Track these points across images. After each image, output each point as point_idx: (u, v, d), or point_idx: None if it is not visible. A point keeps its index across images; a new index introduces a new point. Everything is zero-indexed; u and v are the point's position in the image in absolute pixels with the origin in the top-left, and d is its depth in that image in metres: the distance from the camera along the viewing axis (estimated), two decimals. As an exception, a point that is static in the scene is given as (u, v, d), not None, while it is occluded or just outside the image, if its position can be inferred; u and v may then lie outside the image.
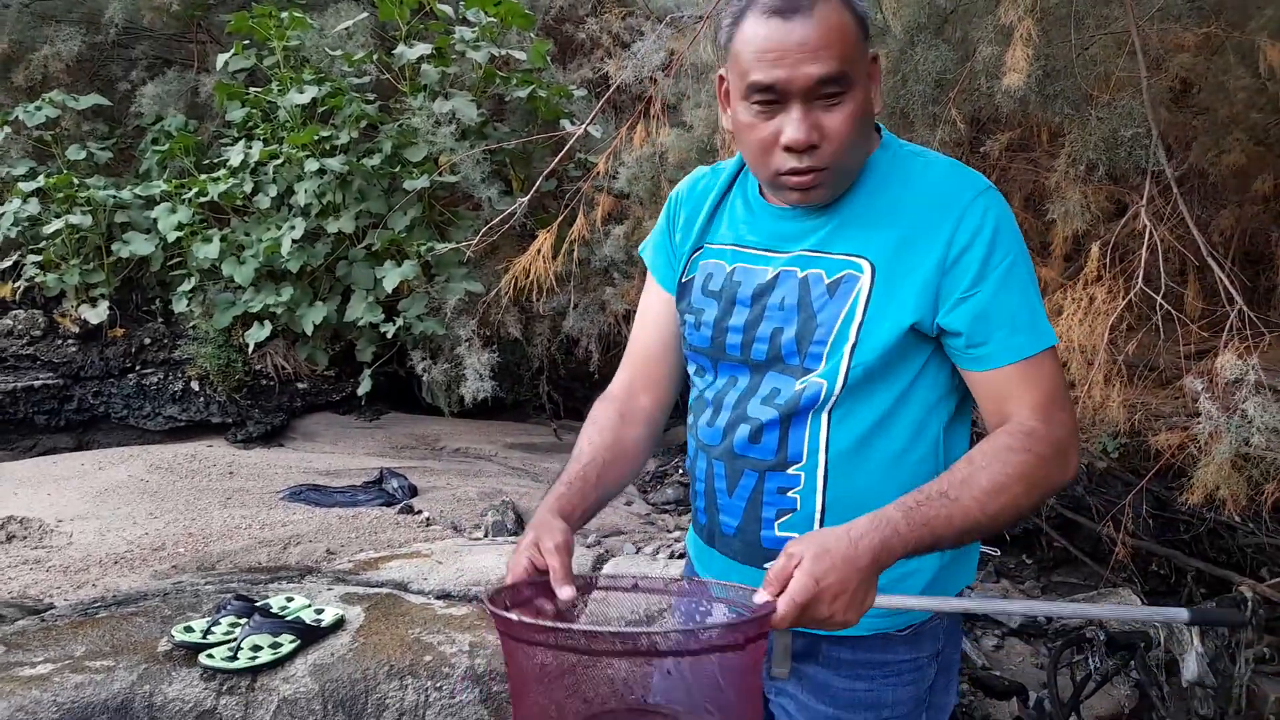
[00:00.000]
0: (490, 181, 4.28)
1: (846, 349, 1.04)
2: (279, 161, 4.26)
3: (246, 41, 4.50)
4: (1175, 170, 3.01)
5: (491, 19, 4.33)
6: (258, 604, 2.24)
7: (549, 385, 4.62)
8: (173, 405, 4.29)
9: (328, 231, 4.24)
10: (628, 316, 4.12)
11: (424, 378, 4.26)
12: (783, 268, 1.11)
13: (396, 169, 4.29)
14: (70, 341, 4.34)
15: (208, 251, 4.15)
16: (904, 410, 1.07)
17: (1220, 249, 3.28)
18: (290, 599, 2.31)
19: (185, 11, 4.96)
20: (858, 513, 1.02)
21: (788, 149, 1.02)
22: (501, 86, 4.51)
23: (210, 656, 2.02)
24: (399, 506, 3.31)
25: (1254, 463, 2.44)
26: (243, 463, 3.77)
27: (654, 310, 1.28)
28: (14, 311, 4.36)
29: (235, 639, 2.07)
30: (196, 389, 4.31)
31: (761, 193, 1.17)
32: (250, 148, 4.35)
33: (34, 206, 4.37)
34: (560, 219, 3.55)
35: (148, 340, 4.44)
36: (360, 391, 4.23)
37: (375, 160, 4.26)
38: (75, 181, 4.37)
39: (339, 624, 2.21)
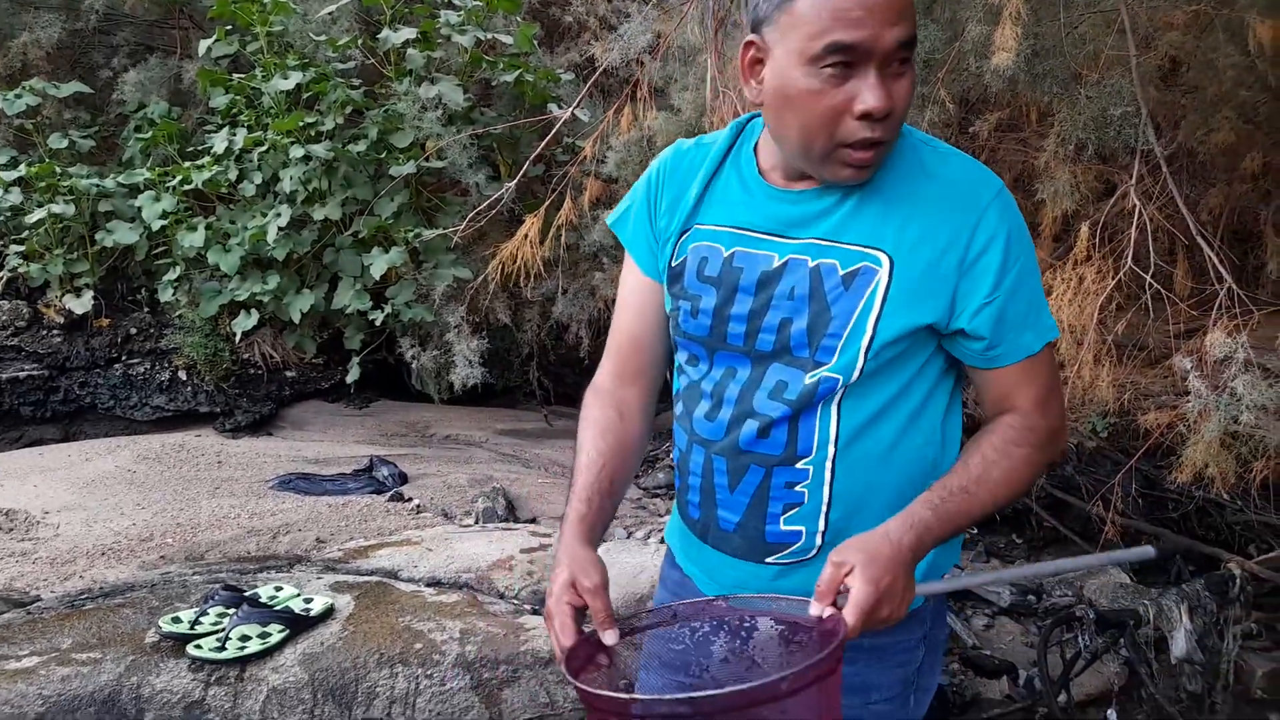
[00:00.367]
0: (477, 167, 4.25)
1: (864, 343, 1.02)
2: (264, 148, 4.22)
3: (229, 27, 4.45)
4: (1164, 149, 3.00)
5: (477, 2, 4.29)
6: (246, 594, 2.23)
7: (539, 371, 4.60)
8: (160, 395, 4.26)
9: (314, 219, 4.21)
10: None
11: (413, 365, 4.24)
12: (791, 255, 1.05)
13: (383, 155, 4.26)
14: (55, 332, 4.30)
15: (193, 240, 4.12)
16: (906, 399, 1.07)
17: (1209, 228, 3.27)
18: (279, 588, 2.30)
19: (166, -3, 4.91)
20: (863, 503, 1.06)
21: (865, 116, 0.95)
22: (488, 71, 4.47)
23: (198, 647, 2.01)
24: (389, 494, 3.30)
25: (1242, 440, 2.44)
26: (231, 452, 3.75)
27: (635, 294, 1.22)
28: (-2, 302, 4.32)
29: (223, 629, 2.06)
30: (184, 378, 4.28)
31: (761, 173, 1.10)
32: (234, 135, 4.31)
33: (16, 196, 4.32)
34: (547, 204, 3.52)
35: (133, 330, 4.40)
36: (349, 379, 4.21)
37: (361, 146, 4.23)
38: (57, 170, 4.32)
39: (328, 613, 2.20)
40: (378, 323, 4.08)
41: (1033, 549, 3.70)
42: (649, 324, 1.21)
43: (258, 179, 4.29)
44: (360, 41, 4.46)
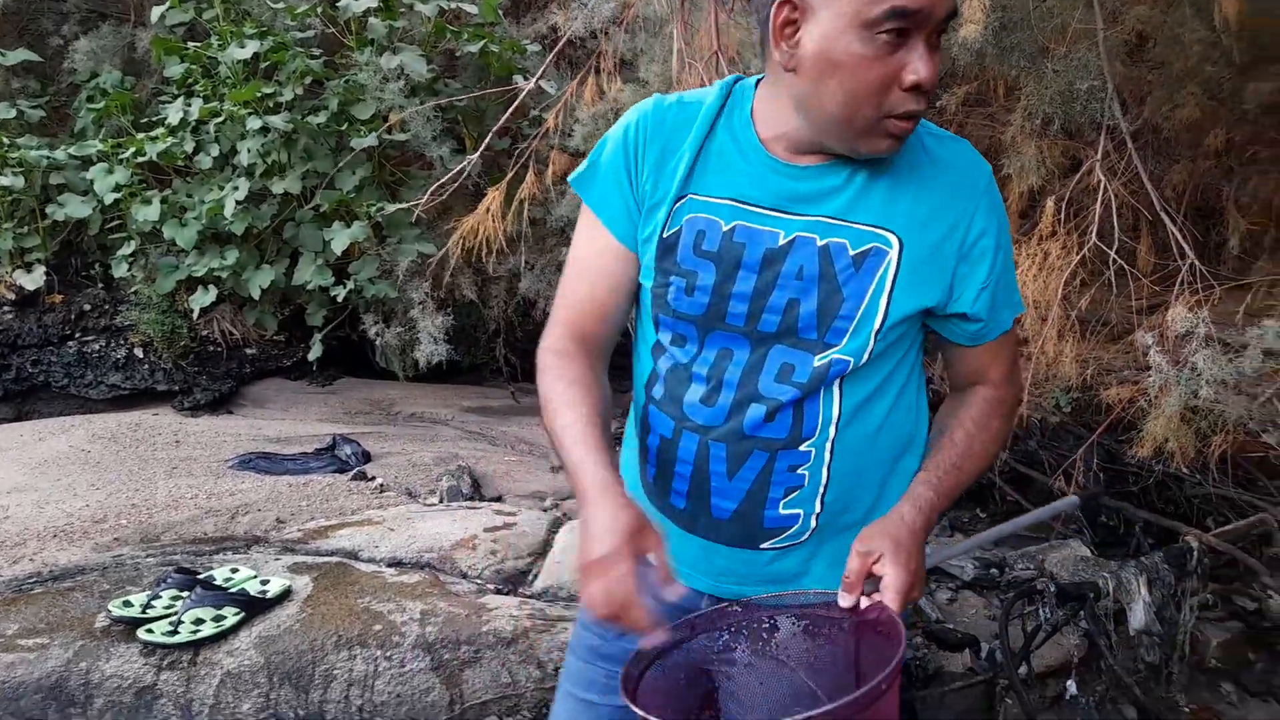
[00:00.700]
0: (442, 140, 4.16)
1: (876, 325, 1.01)
2: (220, 119, 4.10)
3: (184, -7, 4.32)
4: (1130, 125, 3.00)
5: (440, -30, 4.19)
6: (200, 576, 2.18)
7: (505, 348, 4.55)
8: (116, 373, 4.16)
9: (273, 192, 4.10)
10: (585, 277, 4.05)
11: (377, 342, 4.17)
12: (799, 233, 1.00)
13: (343, 127, 4.16)
14: (6, 309, 4.18)
15: (148, 214, 4.01)
16: (895, 377, 1.08)
17: (1173, 204, 3.29)
18: (235, 570, 2.26)
19: (118, -39, 4.75)
20: (856, 481, 1.07)
21: (914, 88, 0.92)
22: (452, 41, 4.37)
23: (150, 631, 1.96)
24: (352, 473, 3.25)
25: (1202, 415, 2.46)
26: (189, 431, 3.67)
27: (603, 259, 1.10)
28: (-55, 278, 4.19)
29: (176, 612, 2.01)
30: (140, 356, 4.18)
31: (764, 143, 1.03)
32: (190, 105, 4.19)
33: (-39, 168, 4.18)
34: (509, 177, 3.45)
35: (88, 306, 4.29)
36: (311, 357, 4.13)
37: (321, 118, 4.12)
38: (6, 141, 4.18)
39: (285, 595, 2.16)
40: (340, 299, 4.01)
41: (995, 522, 3.73)
42: (618, 293, 1.11)
43: (215, 151, 4.17)
44: (320, 9, 4.34)
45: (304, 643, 2.00)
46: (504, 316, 4.42)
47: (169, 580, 2.14)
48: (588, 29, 3.47)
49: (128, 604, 2.05)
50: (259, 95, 4.04)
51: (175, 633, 1.96)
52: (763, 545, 1.07)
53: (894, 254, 1.00)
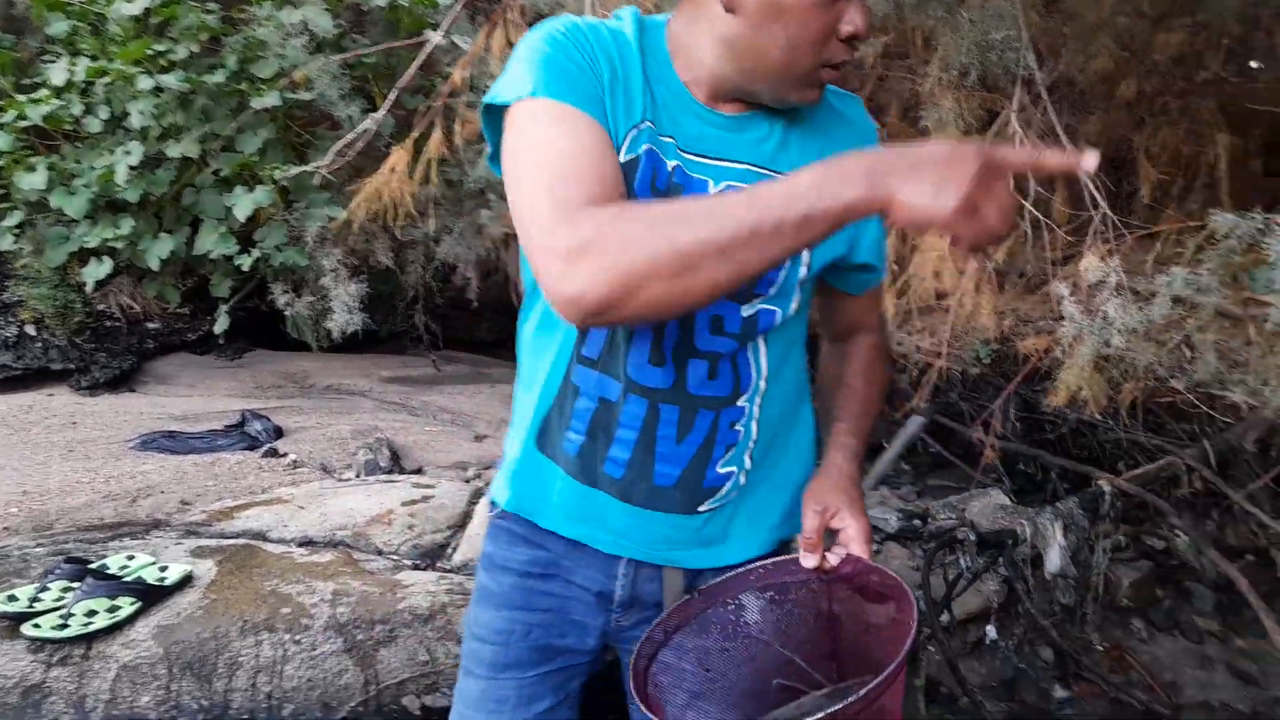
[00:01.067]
0: (350, 98, 3.97)
1: (801, 276, 1.00)
2: (108, 80, 3.85)
3: (62, -57, 4.03)
4: (1046, 77, 3.00)
5: (341, -83, 3.98)
6: (93, 565, 2.06)
7: (426, 315, 4.43)
8: (5, 353, 3.92)
9: (169, 156, 3.88)
10: (506, 241, 3.94)
11: (287, 312, 4.01)
12: (728, 182, 0.96)
13: (243, 86, 3.94)
14: (-121, 287, 3.90)
15: (33, 182, 3.76)
16: (801, 328, 1.09)
17: (1086, 154, 3.32)
18: (131, 557, 2.13)
19: (-13, -92, 4.40)
20: (774, 433, 1.06)
21: (852, 38, 0.91)
22: (357, -7, 4.17)
23: (36, 626, 1.84)
24: (263, 450, 3.12)
25: (1114, 363, 2.50)
26: (87, 411, 3.48)
27: (598, 138, 0.87)
28: None
29: (66, 605, 1.89)
30: (33, 334, 3.95)
31: (689, 89, 0.96)
32: (75, 65, 3.93)
33: None
34: (415, 135, 3.31)
35: (-29, 283, 4.03)
36: (217, 329, 3.96)
37: (219, 77, 3.90)
38: None
39: (186, 581, 2.05)
40: (246, 268, 3.83)
41: (919, 474, 3.78)
42: (617, 171, 0.89)
43: (104, 114, 3.93)
44: (213, -40, 4.10)
45: (206, 630, 1.91)
46: (422, 283, 4.29)
47: (58, 571, 2.01)
48: (495, -21, 3.33)
49: (12, 598, 1.91)
50: (150, 53, 3.81)
51: (65, 626, 1.84)
52: (699, 508, 1.04)
53: None
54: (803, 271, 1.00)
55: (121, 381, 3.98)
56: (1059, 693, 2.60)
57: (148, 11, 3.86)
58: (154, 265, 3.84)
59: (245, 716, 1.84)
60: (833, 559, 0.98)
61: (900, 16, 3.16)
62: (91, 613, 1.88)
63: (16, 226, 3.86)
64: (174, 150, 3.84)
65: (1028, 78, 2.91)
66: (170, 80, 3.73)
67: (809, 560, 0.99)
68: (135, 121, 3.79)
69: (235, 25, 4.15)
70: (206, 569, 2.12)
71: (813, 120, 1.00)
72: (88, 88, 3.92)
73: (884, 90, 3.84)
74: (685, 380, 0.99)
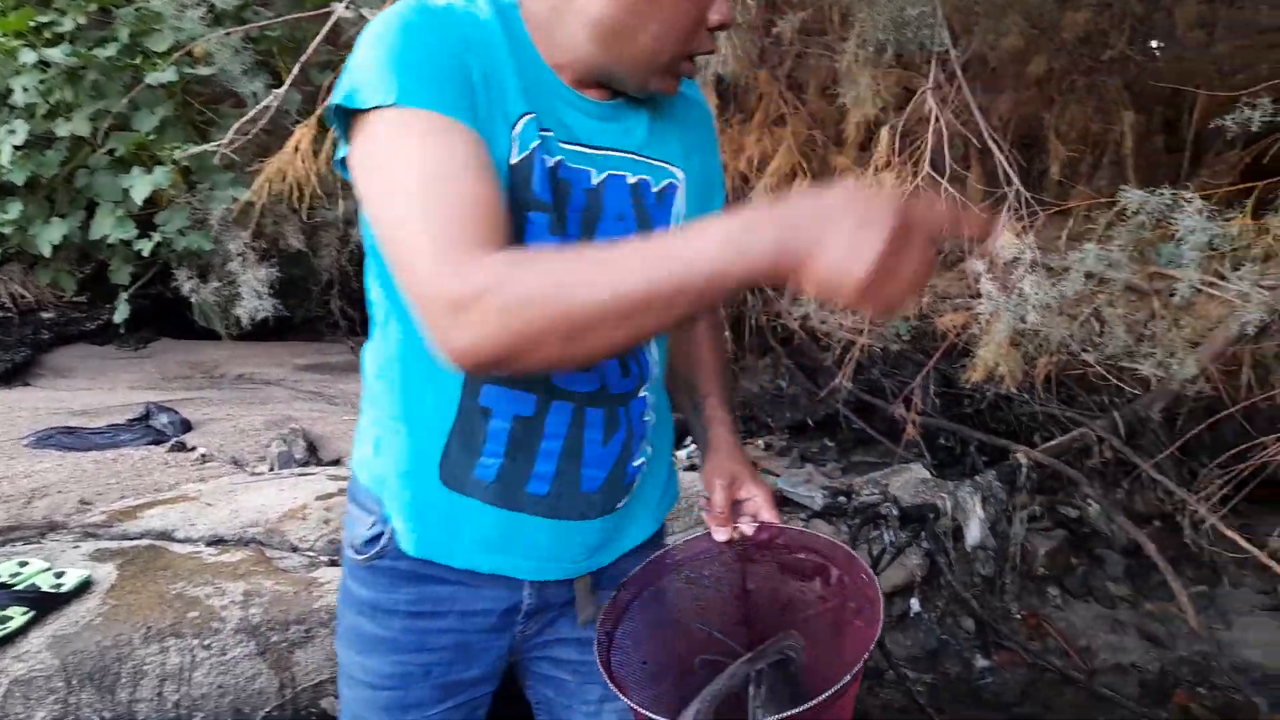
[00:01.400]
0: (254, 74, 3.79)
1: None
2: (-13, 53, 3.60)
3: (-73, -97, 3.73)
4: (960, 54, 3.04)
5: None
6: (-21, 575, 1.92)
7: (342, 300, 4.29)
8: (-119, 347, 3.66)
9: (59, 135, 3.66)
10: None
11: (193, 299, 3.82)
12: (610, 171, 0.94)
13: (137, 60, 3.73)
14: None
15: (-95, 163, 3.50)
16: None
17: (999, 132, 3.38)
18: (24, 563, 2.00)
19: None
20: (661, 416, 1.07)
21: (719, 28, 0.90)
22: (258, -38, 3.98)
23: (-85, 643, 1.71)
24: (169, 444, 2.97)
25: (1029, 338, 2.55)
26: (-24, 408, 3.27)
27: (476, 158, 0.80)
28: None
29: (-51, 619, 1.76)
30: (-88, 326, 3.69)
31: (558, 74, 0.91)
32: (-52, 36, 3.66)
33: None
34: (318, 112, 3.17)
35: None
36: (117, 318, 3.76)
37: (110, 50, 3.68)
38: None
39: (84, 587, 1.93)
40: (147, 253, 3.63)
41: (842, 451, 3.83)
42: (498, 192, 0.81)
43: (-16, 90, 3.68)
44: (100, -75, 3.86)
45: (107, 639, 1.80)
46: (337, 266, 4.15)
47: (-60, 582, 1.88)
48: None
49: (-112, 614, 1.78)
50: (33, 24, 3.57)
51: (-52, 642, 1.72)
52: (618, 506, 1.03)
53: (682, 187, 1.00)
54: None
55: (15, 375, 3.75)
56: (980, 662, 2.67)
57: (30, -20, 3.62)
58: (46, 251, 3.62)
59: (151, 728, 1.75)
60: (746, 529, 1.01)
61: (818, -8, 3.16)
62: (-22, 626, 1.76)
63: (-111, 211, 3.60)
64: (64, 129, 3.62)
65: (942, 55, 2.93)
66: (56, 54, 3.51)
67: (721, 534, 1.01)
68: (19, 98, 3.56)
69: (127, -5, 3.93)
70: (107, 573, 2.00)
71: (669, 103, 1.01)
72: (-35, 62, 3.67)
73: (802, 67, 3.85)
74: (607, 380, 0.96)
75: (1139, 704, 2.50)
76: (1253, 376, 2.66)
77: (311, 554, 2.20)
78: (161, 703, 1.77)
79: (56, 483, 2.65)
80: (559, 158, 0.89)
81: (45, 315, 3.90)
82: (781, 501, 3.09)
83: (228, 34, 3.71)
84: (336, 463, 2.98)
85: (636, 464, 1.02)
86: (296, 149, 2.97)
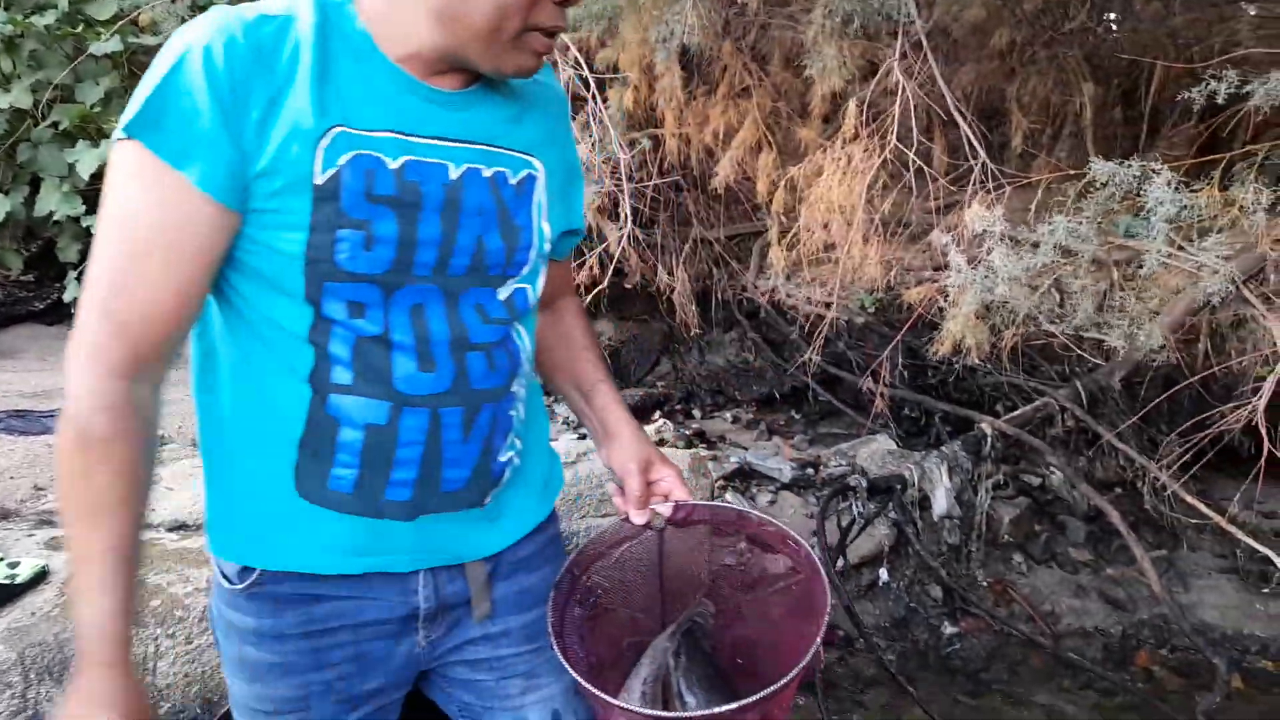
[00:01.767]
0: (204, 43, 3.67)
1: (545, 252, 1.01)
2: (-82, 20, 3.44)
3: None
4: (925, 25, 3.03)
5: None
6: (-71, 566, 1.86)
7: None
8: None
9: (-1, 107, 3.52)
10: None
11: (146, 277, 3.72)
12: (467, 165, 0.91)
13: (79, 29, 3.59)
14: None
15: None
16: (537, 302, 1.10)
17: (964, 104, 3.39)
18: (-24, 554, 1.94)
19: None
20: (534, 407, 1.08)
21: (564, 2, 0.89)
22: (205, -73, 3.85)
23: None
24: (125, 427, 2.89)
25: (996, 310, 2.57)
26: (-81, 393, 3.16)
27: (188, 231, 0.82)
28: None
29: (-102, 613, 1.70)
30: None
31: (404, 67, 0.89)
32: (-125, 2, 3.49)
33: None
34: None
35: None
36: (67, 297, 3.65)
37: (49, 18, 3.54)
38: None
39: (41, 577, 1.87)
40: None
41: (810, 423, 3.85)
42: (207, 275, 0.85)
43: (-84, 59, 3.51)
44: (35, -113, 3.69)
45: (65, 630, 1.75)
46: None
47: (-113, 575, 1.81)
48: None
49: None
50: (-34, -10, 3.41)
51: (-102, 637, 1.65)
52: (486, 501, 1.00)
53: (541, 179, 0.99)
54: (546, 246, 1.01)
55: (-42, 358, 3.63)
56: (948, 629, 2.71)
57: (-38, -57, 3.46)
58: (-13, 229, 3.49)
59: None
60: (663, 510, 1.05)
61: (784, -38, 3.12)
62: (-71, 620, 1.70)
63: None
64: (2, 100, 3.47)
65: (908, 26, 2.92)
66: (-7, 22, 3.37)
67: (640, 517, 1.05)
68: (-46, 68, 3.41)
69: (67, -39, 3.77)
70: (64, 562, 1.94)
71: (526, 91, 1.00)
72: (-105, 30, 3.50)
73: (766, 39, 3.82)
74: (468, 377, 0.93)
75: (1103, 666, 2.56)
76: (1209, 346, 2.72)
77: (277, 538, 2.16)
78: (126, 693, 1.73)
79: (8, 468, 2.57)
80: (403, 159, 0.87)
81: (-11, 295, 3.77)
82: (750, 474, 3.10)
83: (174, 1, 3.59)
84: (300, 444, 2.93)
85: (504, 459, 1.00)
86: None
